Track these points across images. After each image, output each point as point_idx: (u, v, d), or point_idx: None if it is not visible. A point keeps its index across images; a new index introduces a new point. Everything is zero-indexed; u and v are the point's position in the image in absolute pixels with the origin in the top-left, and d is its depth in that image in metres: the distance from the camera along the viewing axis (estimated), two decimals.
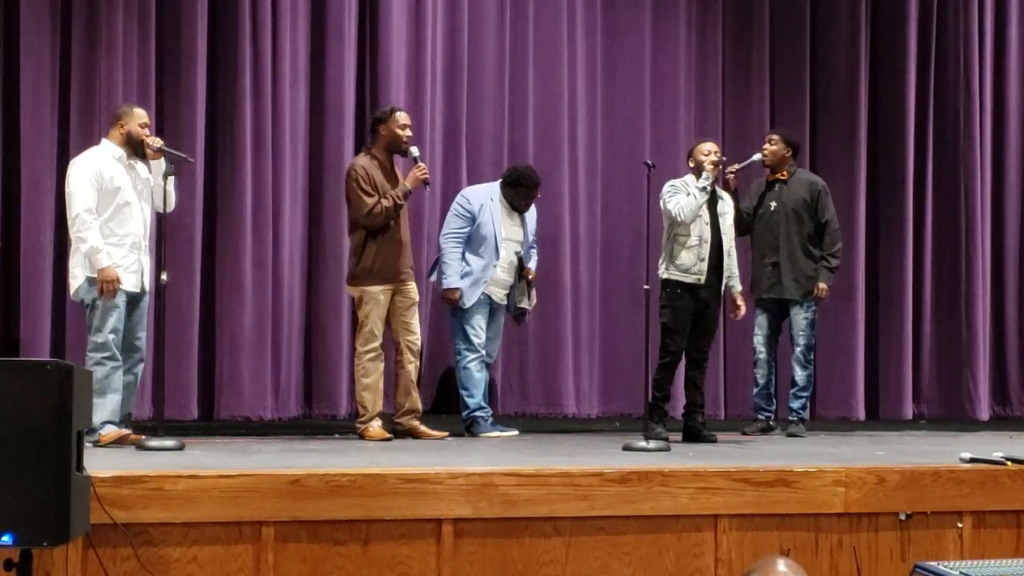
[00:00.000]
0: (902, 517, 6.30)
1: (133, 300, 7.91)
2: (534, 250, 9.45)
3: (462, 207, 9.17)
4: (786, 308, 9.48)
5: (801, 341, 9.43)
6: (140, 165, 7.99)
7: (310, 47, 10.14)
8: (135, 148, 7.94)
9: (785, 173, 9.49)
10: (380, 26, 10.24)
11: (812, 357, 9.54)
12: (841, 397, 11.21)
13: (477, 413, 9.00)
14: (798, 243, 9.38)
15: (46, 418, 4.89)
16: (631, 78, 11.02)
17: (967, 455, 6.74)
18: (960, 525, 6.36)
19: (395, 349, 8.60)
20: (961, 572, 4.83)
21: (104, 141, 8.02)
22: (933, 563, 5.05)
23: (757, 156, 9.46)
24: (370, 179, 8.46)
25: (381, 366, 8.53)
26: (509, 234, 9.19)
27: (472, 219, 9.08)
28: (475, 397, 9.02)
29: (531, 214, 9.39)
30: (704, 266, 8.54)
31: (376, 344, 8.48)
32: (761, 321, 9.51)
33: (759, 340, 9.51)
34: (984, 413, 11.32)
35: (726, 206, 8.78)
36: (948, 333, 11.43)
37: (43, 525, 4.86)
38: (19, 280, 9.35)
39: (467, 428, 9.00)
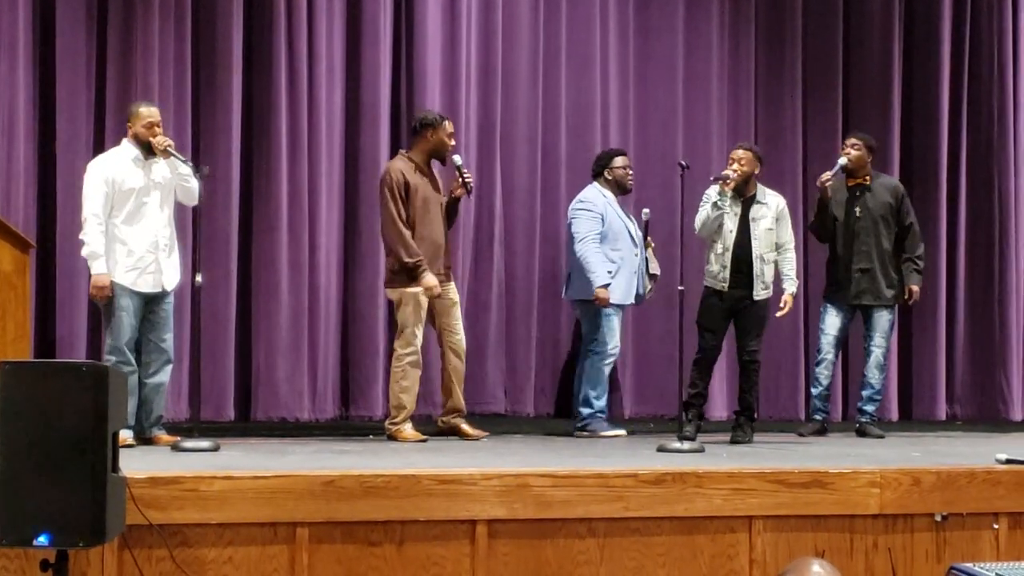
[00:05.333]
0: (938, 518, 6.29)
1: (151, 301, 7.92)
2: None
3: (589, 210, 9.15)
4: (860, 312, 9.45)
5: (884, 343, 9.44)
6: (159, 164, 7.98)
7: (345, 48, 10.14)
8: (148, 147, 7.95)
9: (868, 178, 9.44)
10: (415, 27, 10.25)
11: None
12: None
13: (599, 414, 9.05)
14: (887, 248, 9.38)
15: (82, 419, 4.93)
16: (664, 79, 10.98)
17: (1003, 456, 6.73)
18: (996, 526, 6.35)
19: (440, 350, 8.60)
20: (997, 574, 4.81)
21: (124, 141, 8.04)
22: (969, 564, 5.03)
23: (843, 160, 9.37)
24: (404, 184, 8.47)
25: (419, 371, 8.52)
26: (630, 226, 9.27)
27: (601, 218, 9.08)
28: (601, 399, 9.09)
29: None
30: (727, 273, 8.55)
31: (415, 347, 8.44)
32: (834, 322, 9.44)
33: (828, 341, 9.45)
34: (1018, 414, 11.21)
35: (764, 210, 8.75)
36: (981, 333, 11.36)
37: (79, 526, 4.90)
38: (55, 280, 9.40)
39: (583, 427, 9.00)
